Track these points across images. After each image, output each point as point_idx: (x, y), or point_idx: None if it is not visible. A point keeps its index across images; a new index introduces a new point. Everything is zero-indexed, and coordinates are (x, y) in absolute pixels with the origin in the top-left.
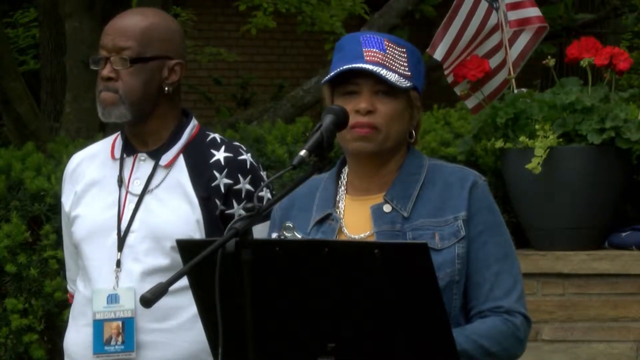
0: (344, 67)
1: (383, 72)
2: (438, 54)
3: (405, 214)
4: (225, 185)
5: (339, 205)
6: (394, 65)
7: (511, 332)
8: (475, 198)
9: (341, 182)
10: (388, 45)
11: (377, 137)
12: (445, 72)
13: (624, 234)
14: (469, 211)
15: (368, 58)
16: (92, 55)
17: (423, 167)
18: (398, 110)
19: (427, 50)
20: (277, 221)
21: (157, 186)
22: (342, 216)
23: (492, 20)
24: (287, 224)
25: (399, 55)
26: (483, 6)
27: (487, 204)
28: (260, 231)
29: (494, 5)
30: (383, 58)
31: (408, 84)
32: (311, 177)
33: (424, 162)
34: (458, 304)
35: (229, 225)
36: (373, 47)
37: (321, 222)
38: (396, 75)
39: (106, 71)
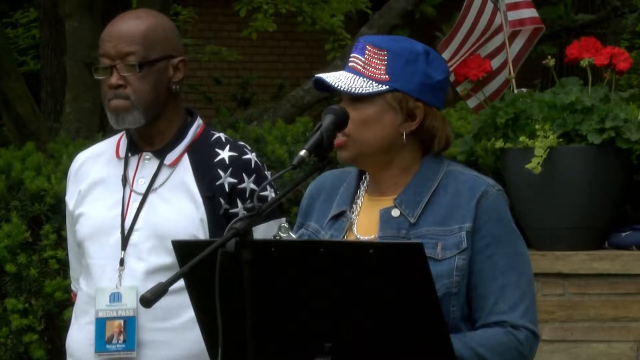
0: (314, 77)
1: (347, 78)
2: (446, 54)
3: (412, 220)
4: (230, 184)
5: (357, 202)
6: (367, 70)
7: (513, 345)
8: (483, 209)
9: (365, 178)
10: (368, 49)
11: (349, 145)
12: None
13: (624, 234)
14: (475, 223)
15: (350, 64)
16: (93, 60)
17: (439, 173)
18: (369, 115)
19: (438, 47)
20: (304, 209)
21: (161, 185)
22: (356, 215)
23: (497, 20)
24: (283, 224)
25: (377, 59)
26: (489, 7)
27: (497, 215)
28: (263, 231)
29: (498, 6)
30: (360, 63)
31: (380, 88)
32: (343, 169)
33: (442, 168)
34: (457, 315)
35: (229, 225)
36: (356, 53)
37: (336, 218)
38: (366, 80)
39: (114, 79)
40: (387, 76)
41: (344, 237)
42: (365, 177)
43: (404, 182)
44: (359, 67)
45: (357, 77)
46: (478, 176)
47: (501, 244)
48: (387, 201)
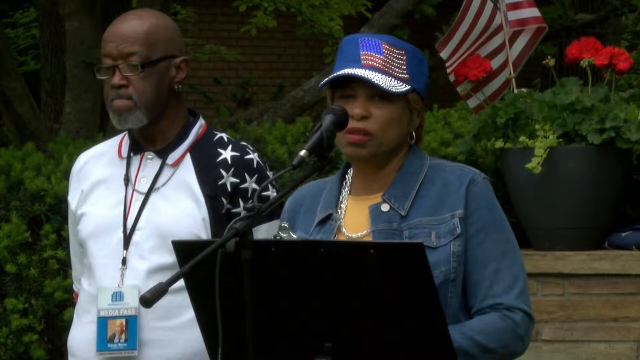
0: (338, 73)
1: (377, 76)
2: (444, 53)
3: (403, 213)
4: (232, 184)
5: (342, 205)
6: (390, 69)
7: (510, 329)
8: (472, 196)
9: (345, 183)
10: (386, 48)
11: (370, 143)
12: (448, 71)
13: (624, 234)
14: (466, 209)
15: (365, 62)
16: (93, 60)
17: (423, 167)
18: (394, 115)
19: (436, 46)
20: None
21: (163, 184)
22: (342, 216)
23: (497, 20)
24: (283, 224)
25: (397, 58)
26: (489, 7)
27: (486, 202)
28: (266, 230)
29: (498, 6)
30: (380, 62)
31: (405, 88)
32: (321, 180)
33: (425, 162)
34: (455, 302)
35: (229, 225)
36: (371, 51)
37: (322, 222)
38: (392, 79)
39: (116, 79)
40: (408, 76)
41: (333, 238)
42: (346, 181)
43: (390, 179)
44: (379, 65)
45: (381, 74)
46: (463, 166)
47: (492, 230)
48: (374, 199)
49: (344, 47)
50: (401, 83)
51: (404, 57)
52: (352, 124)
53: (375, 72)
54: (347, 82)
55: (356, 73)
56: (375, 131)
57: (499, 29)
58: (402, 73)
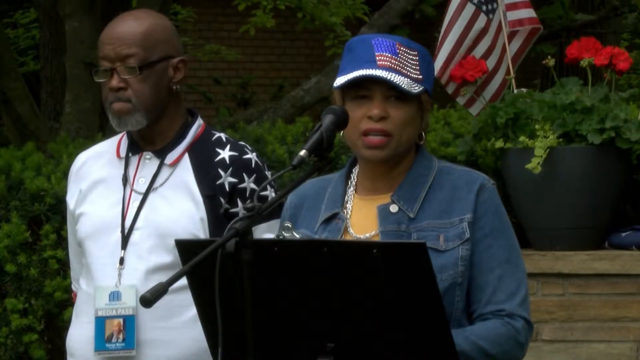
0: (358, 74)
1: (395, 77)
2: (438, 63)
3: (412, 215)
4: (230, 183)
5: (347, 205)
6: (405, 69)
7: (511, 335)
8: (481, 201)
9: (351, 182)
10: (400, 49)
11: (390, 144)
12: (442, 82)
13: (624, 234)
14: (474, 214)
15: (380, 62)
16: (93, 60)
17: (432, 169)
18: (410, 115)
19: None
20: (288, 220)
21: (161, 184)
22: (349, 216)
23: (480, 23)
24: (286, 224)
25: (411, 59)
26: (469, 8)
27: (494, 208)
28: (265, 230)
29: (482, 9)
30: (395, 62)
31: (420, 88)
32: (322, 177)
33: (433, 164)
34: (460, 306)
35: (229, 225)
36: (385, 51)
37: (328, 221)
38: (408, 80)
39: (115, 82)
40: (421, 76)
41: (340, 238)
42: (352, 180)
43: (399, 180)
44: (395, 65)
45: (399, 75)
46: (472, 171)
47: (498, 236)
48: (381, 199)
49: (355, 47)
50: (416, 84)
51: (417, 58)
52: (370, 124)
53: (392, 72)
54: (362, 83)
55: (377, 74)
56: (394, 132)
57: (484, 31)
58: (416, 74)
